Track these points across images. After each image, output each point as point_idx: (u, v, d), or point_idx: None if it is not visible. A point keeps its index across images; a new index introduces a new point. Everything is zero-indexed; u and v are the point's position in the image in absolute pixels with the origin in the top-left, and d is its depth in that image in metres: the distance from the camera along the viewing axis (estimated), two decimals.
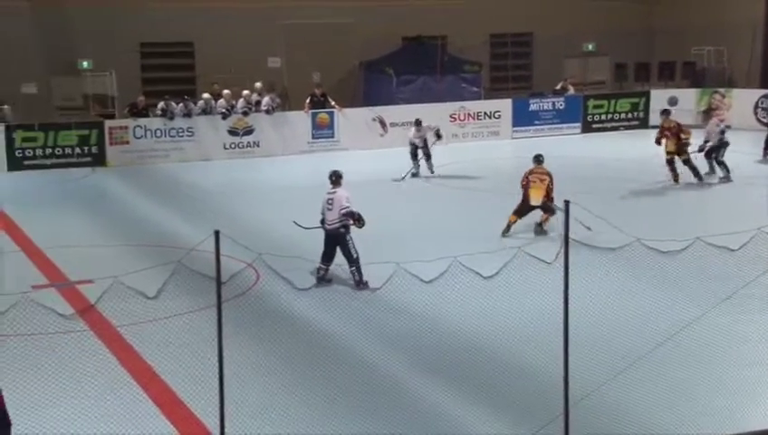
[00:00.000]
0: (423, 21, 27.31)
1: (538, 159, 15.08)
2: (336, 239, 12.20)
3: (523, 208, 14.65)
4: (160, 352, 9.90)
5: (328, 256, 12.29)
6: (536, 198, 14.60)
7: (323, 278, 12.27)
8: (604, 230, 10.99)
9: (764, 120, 24.80)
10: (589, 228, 11.41)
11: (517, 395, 8.97)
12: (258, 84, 23.75)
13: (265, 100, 23.37)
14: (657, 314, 10.71)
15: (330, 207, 12.29)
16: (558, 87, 26.60)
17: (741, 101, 25.29)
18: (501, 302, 10.96)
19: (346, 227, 12.22)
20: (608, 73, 29.13)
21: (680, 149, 18.46)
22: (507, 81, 29.18)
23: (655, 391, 8.88)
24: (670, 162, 18.29)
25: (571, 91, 26.43)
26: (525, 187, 14.77)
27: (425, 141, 20.26)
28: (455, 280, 10.37)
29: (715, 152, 18.97)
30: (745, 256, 11.35)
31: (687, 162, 18.41)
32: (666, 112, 19.27)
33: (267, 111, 23.28)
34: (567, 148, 23.28)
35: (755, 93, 25.35)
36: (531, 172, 14.89)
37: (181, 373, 9.27)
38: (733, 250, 11.33)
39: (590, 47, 29.17)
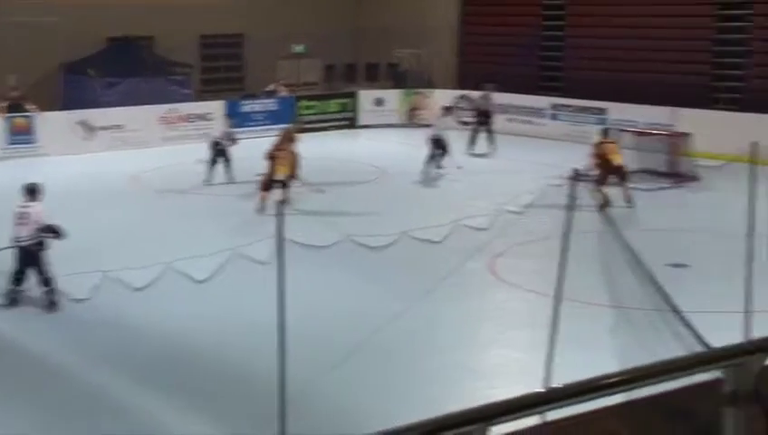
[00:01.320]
0: (129, 21, 26.39)
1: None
2: (30, 257, 11.17)
3: (268, 181, 16.29)
4: None
5: (20, 277, 11.25)
6: (280, 172, 16.34)
7: (16, 301, 11.28)
8: (319, 229, 11.22)
9: (461, 120, 26.48)
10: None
11: (234, 399, 8.91)
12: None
13: None
14: (369, 307, 11.10)
15: (22, 221, 11.24)
16: (270, 88, 26.81)
17: (440, 101, 26.84)
18: (217, 305, 10.87)
19: (41, 243, 11.27)
20: (318, 75, 29.80)
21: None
22: (219, 82, 28.97)
23: (367, 383, 9.18)
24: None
25: (284, 92, 26.74)
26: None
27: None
28: (168, 286, 10.15)
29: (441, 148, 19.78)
30: (447, 248, 12.11)
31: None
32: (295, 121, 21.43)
33: None
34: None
35: (452, 94, 27.01)
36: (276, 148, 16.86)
37: None
38: (435, 242, 12.04)
39: (300, 49, 29.68)
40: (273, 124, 25.60)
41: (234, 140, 19.53)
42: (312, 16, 29.22)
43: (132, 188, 19.13)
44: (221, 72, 29.35)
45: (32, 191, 11.59)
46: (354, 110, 27.03)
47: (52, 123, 22.46)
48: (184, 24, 27.33)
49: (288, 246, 8.75)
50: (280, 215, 8.64)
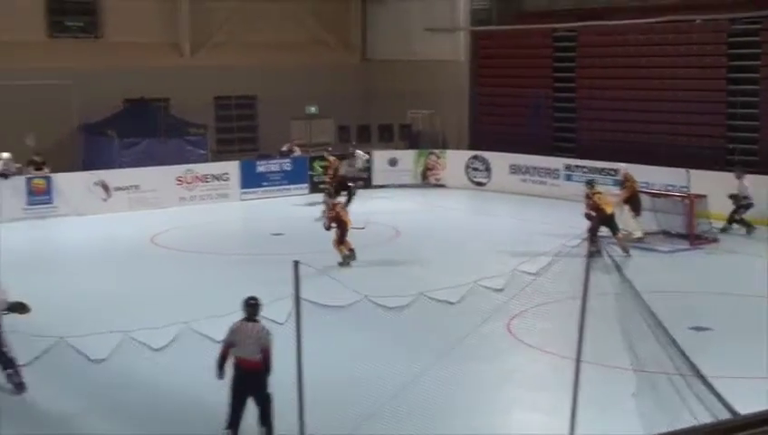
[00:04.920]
0: (145, 83, 26.83)
1: None
2: None
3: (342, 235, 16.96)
4: None
5: None
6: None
7: None
8: (335, 289, 11.21)
9: (475, 180, 26.63)
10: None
11: None
12: (5, 155, 22.25)
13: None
14: (386, 369, 11.03)
15: None
16: (284, 149, 27.06)
17: (453, 161, 27.04)
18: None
19: None
20: (332, 135, 30.05)
21: None
22: (234, 142, 29.26)
23: None
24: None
25: (298, 152, 26.96)
26: None
27: None
28: (186, 346, 10.13)
29: None
30: (464, 309, 12.05)
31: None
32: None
33: (4, 176, 21.88)
34: (296, 209, 23.65)
35: (465, 154, 27.20)
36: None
37: None
38: (452, 303, 11.98)
39: (313, 110, 29.99)
40: (289, 184, 25.80)
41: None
42: (323, 79, 29.61)
43: (150, 247, 19.20)
44: (235, 132, 29.65)
45: None
46: (369, 170, 27.17)
47: (70, 184, 22.70)
48: (198, 86, 27.76)
49: (305, 306, 8.79)
50: (296, 275, 8.71)
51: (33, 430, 9.64)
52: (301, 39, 29.96)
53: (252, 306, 9.05)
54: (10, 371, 10.52)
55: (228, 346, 9.11)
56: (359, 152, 26.05)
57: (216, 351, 9.68)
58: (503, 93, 28.00)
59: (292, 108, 28.89)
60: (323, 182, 22.82)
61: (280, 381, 9.43)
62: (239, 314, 9.53)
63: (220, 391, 9.92)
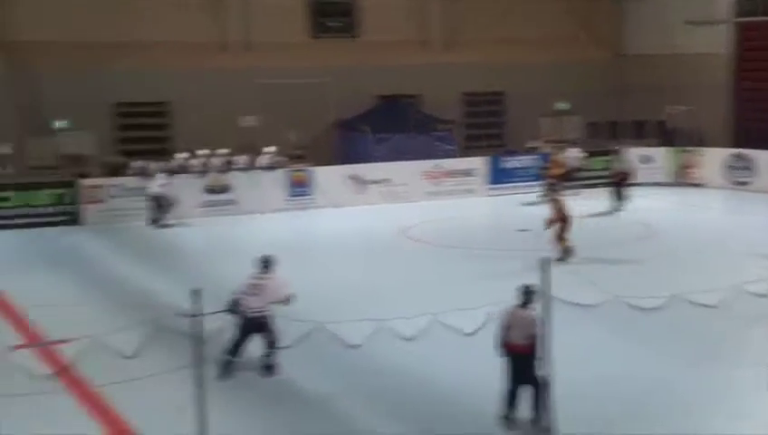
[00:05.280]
0: (397, 80, 27.66)
1: None
2: (260, 327, 10.98)
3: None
4: (140, 412, 9.71)
5: (241, 346, 11.00)
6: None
7: (231, 371, 10.93)
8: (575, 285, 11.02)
9: (737, 179, 25.16)
10: None
11: None
12: (272, 148, 23.88)
13: (266, 157, 23.66)
14: (638, 370, 10.71)
15: (255, 292, 10.97)
16: (534, 145, 26.90)
17: (711, 160, 25.68)
18: (483, 358, 10.92)
19: (270, 314, 11.05)
20: (581, 131, 29.51)
21: None
22: (481, 138, 29.47)
23: None
24: None
25: (547, 149, 26.69)
26: None
27: None
28: (436, 337, 10.37)
29: None
30: (725, 313, 11.44)
31: None
32: None
33: (271, 168, 23.46)
34: (539, 205, 23.41)
35: (725, 152, 25.75)
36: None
37: (161, 433, 9.10)
38: (711, 307, 11.42)
39: (564, 106, 29.58)
40: (535, 180, 25.57)
41: None
42: (571, 75, 29.13)
43: (402, 240, 19.75)
44: (482, 128, 29.85)
45: (266, 263, 11.25)
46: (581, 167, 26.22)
47: (327, 177, 23.86)
48: (447, 82, 28.20)
49: (553, 304, 8.73)
50: (546, 272, 8.67)
51: (292, 408, 10.20)
52: (549, 35, 29.65)
53: (527, 294, 9.32)
54: (271, 351, 11.07)
55: (502, 329, 9.40)
56: (571, 149, 25.32)
57: (463, 344, 9.85)
58: None
59: (540, 104, 28.69)
60: (547, 178, 22.48)
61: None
62: (486, 309, 9.65)
63: (472, 386, 10.07)
